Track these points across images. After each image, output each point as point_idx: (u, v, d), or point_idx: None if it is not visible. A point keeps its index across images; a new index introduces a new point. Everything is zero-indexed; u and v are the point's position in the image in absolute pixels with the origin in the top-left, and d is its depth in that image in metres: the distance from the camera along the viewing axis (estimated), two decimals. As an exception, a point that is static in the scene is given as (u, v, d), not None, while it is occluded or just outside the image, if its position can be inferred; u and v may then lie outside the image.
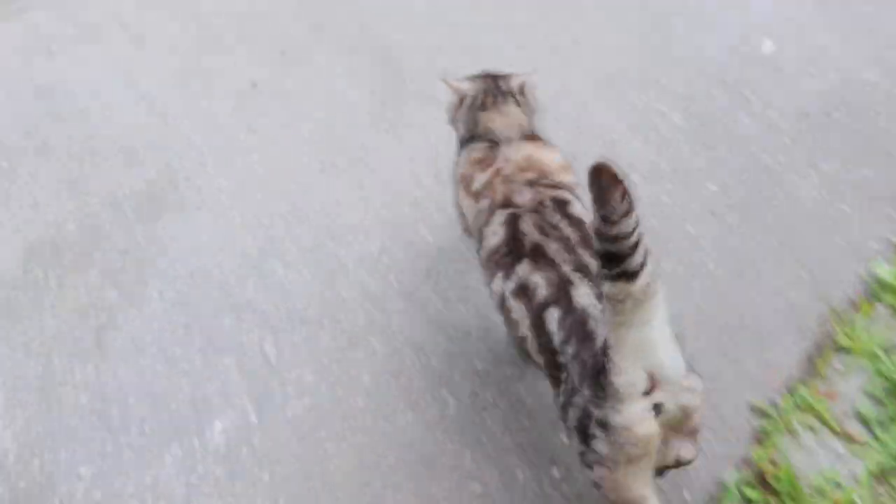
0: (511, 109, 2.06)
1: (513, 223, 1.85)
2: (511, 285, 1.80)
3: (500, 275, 1.84)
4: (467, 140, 2.10)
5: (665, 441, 1.65)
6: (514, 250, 1.82)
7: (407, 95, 2.88)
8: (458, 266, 2.36)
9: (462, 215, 2.08)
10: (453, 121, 2.15)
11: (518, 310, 1.79)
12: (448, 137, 2.16)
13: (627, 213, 1.34)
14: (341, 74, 3.01)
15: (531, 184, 1.90)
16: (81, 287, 2.43)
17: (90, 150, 2.87)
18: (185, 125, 2.91)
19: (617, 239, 1.37)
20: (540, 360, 1.78)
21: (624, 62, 2.90)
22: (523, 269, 1.79)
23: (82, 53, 3.26)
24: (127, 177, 2.76)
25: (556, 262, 1.75)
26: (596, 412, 1.59)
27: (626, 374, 1.53)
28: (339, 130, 2.83)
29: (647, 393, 1.56)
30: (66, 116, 2.99)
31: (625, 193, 1.32)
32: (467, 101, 2.08)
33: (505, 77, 2.10)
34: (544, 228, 1.81)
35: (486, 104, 2.06)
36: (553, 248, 1.78)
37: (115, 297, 2.39)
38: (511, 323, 1.84)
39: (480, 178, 2.00)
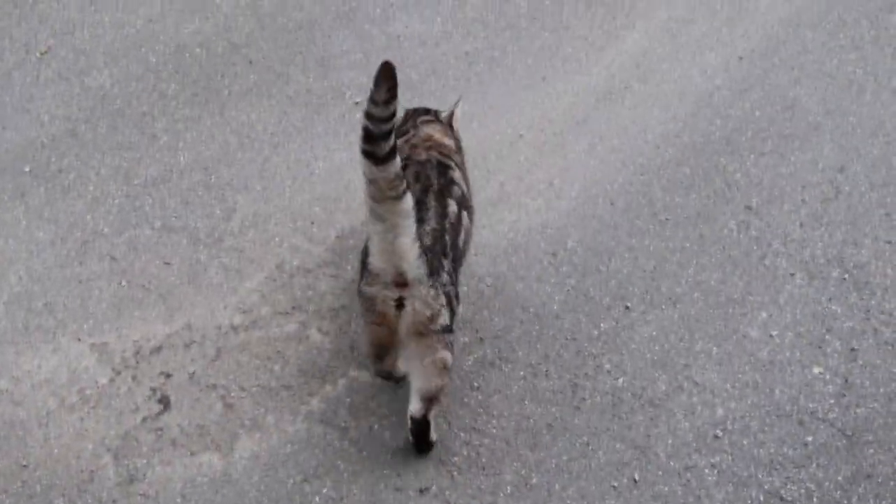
0: (435, 123, 2.67)
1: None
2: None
3: None
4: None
5: (411, 360, 2.25)
6: None
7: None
8: None
9: None
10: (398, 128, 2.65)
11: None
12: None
13: (388, 101, 1.87)
14: None
15: (428, 148, 2.51)
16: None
17: None
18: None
19: (375, 119, 1.88)
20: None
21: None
22: None
23: None
24: None
25: None
26: (360, 283, 2.23)
27: (376, 259, 2.13)
28: None
29: (398, 286, 2.14)
30: None
31: (393, 88, 1.86)
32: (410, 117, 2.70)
33: (437, 111, 2.73)
34: (419, 175, 2.38)
35: (424, 120, 2.68)
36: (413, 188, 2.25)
37: None
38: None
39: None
